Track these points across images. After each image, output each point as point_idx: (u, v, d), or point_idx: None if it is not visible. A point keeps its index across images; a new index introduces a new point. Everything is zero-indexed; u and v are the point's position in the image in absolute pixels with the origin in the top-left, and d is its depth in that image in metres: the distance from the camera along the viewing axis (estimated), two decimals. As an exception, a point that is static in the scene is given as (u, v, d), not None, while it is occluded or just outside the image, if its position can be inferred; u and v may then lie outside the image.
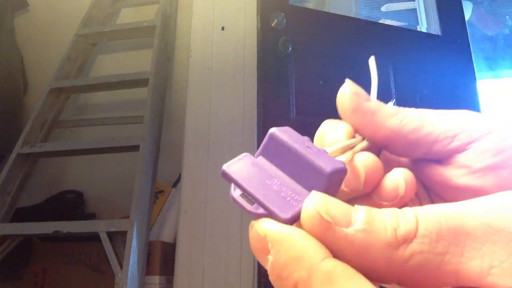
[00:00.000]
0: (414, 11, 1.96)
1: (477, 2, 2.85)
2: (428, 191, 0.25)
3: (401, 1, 2.47)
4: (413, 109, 0.23)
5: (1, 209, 1.31)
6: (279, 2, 1.49)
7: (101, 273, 1.36)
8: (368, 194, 0.23)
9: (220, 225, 1.30)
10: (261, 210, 0.19)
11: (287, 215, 0.19)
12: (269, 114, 1.37)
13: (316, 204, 0.18)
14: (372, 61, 0.26)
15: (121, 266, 1.11)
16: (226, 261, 1.26)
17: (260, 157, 0.22)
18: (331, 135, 0.24)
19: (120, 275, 1.10)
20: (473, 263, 0.16)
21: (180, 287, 1.26)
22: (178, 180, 1.50)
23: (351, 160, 0.23)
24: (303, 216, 0.18)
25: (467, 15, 2.24)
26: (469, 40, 1.73)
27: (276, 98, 1.39)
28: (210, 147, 1.38)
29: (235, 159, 0.22)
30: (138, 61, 1.73)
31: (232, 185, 0.21)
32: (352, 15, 2.01)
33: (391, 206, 0.22)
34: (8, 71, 1.72)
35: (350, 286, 0.16)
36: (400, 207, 0.22)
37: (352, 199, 0.24)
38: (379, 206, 0.22)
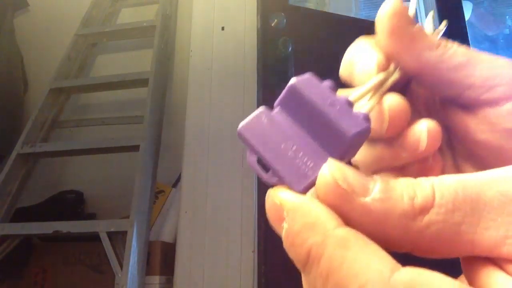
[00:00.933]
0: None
1: (477, 2, 2.85)
2: (452, 142, 0.24)
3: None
4: (456, 45, 0.22)
5: (1, 209, 1.31)
6: (279, 2, 1.49)
7: (101, 273, 1.36)
8: (389, 140, 0.22)
9: (220, 225, 1.30)
10: (275, 179, 0.19)
11: (301, 186, 0.18)
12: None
13: (333, 171, 0.17)
14: None
15: (121, 266, 1.11)
16: (226, 261, 1.26)
17: (278, 110, 0.21)
18: (361, 66, 0.22)
19: (120, 275, 1.10)
20: (488, 233, 0.16)
21: (180, 287, 1.26)
22: (178, 180, 1.50)
23: (379, 102, 0.21)
24: (319, 183, 0.17)
25: (467, 15, 2.24)
26: (469, 40, 1.73)
27: (276, 98, 1.39)
28: (210, 147, 1.38)
29: (251, 116, 0.21)
30: (138, 61, 1.73)
31: (248, 149, 0.20)
32: (352, 15, 2.00)
33: (411, 158, 0.22)
34: (8, 71, 1.72)
35: (364, 252, 0.16)
36: (420, 160, 0.22)
37: (372, 142, 0.23)
38: (398, 154, 0.22)
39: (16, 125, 1.68)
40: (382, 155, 0.23)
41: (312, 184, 0.18)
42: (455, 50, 0.21)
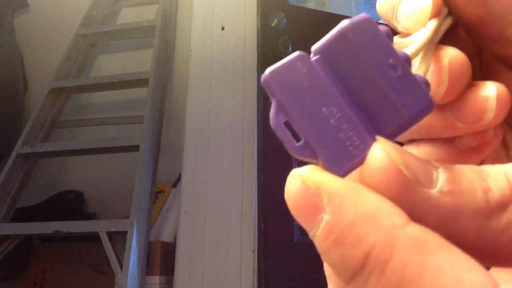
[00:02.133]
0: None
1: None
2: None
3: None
4: None
5: (1, 209, 1.31)
6: (279, 2, 1.49)
7: (101, 273, 1.36)
8: (442, 106, 0.17)
9: (220, 225, 1.30)
10: (308, 152, 0.14)
11: (343, 167, 0.14)
12: (269, 113, 1.37)
13: (392, 153, 0.13)
14: None
15: (121, 266, 1.11)
16: (226, 261, 1.26)
17: (318, 59, 0.15)
18: (411, 4, 0.17)
19: (120, 275, 1.10)
20: None
21: (180, 287, 1.26)
22: (178, 180, 1.50)
23: (436, 56, 0.17)
24: (371, 167, 0.14)
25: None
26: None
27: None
28: (210, 147, 1.38)
29: (284, 60, 0.16)
30: (138, 61, 1.73)
31: (274, 104, 0.15)
32: (352, 15, 2.01)
33: (468, 129, 0.17)
34: (8, 71, 1.72)
35: (452, 259, 0.12)
36: (478, 132, 0.18)
37: None
38: (452, 124, 0.17)
39: (16, 125, 1.68)
40: (429, 123, 0.18)
41: (356, 166, 0.14)
42: None
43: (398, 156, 0.13)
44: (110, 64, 1.84)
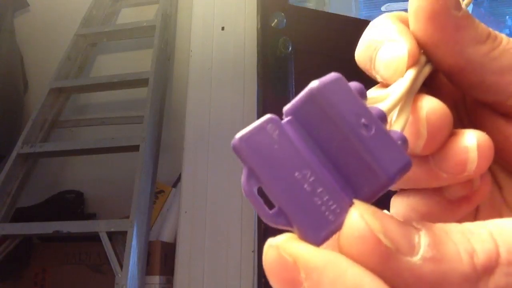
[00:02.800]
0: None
1: (477, 2, 2.85)
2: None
3: (401, 1, 2.47)
4: (505, 38, 0.17)
5: (1, 209, 1.31)
6: (279, 2, 1.49)
7: (101, 273, 1.36)
8: (423, 158, 0.17)
9: (220, 225, 1.30)
10: (282, 221, 0.14)
11: (319, 235, 0.13)
12: (269, 114, 1.37)
13: (369, 220, 0.13)
14: None
15: (121, 266, 1.11)
16: (226, 261, 1.26)
17: (290, 121, 0.15)
18: (387, 54, 0.17)
19: (120, 275, 1.10)
20: None
21: (180, 287, 1.26)
22: (178, 180, 1.50)
23: (413, 106, 0.16)
24: (351, 236, 0.13)
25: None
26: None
27: (276, 98, 1.39)
28: (210, 147, 1.38)
29: (254, 124, 0.15)
30: (138, 61, 1.73)
31: (245, 170, 0.14)
32: (352, 15, 2.01)
33: (453, 179, 0.16)
34: (8, 71, 1.72)
35: None
36: (465, 182, 0.17)
37: None
38: (436, 175, 0.16)
39: (16, 125, 1.68)
40: (415, 174, 0.17)
41: (332, 233, 0.14)
42: (505, 47, 0.16)
43: (377, 223, 0.13)
44: (110, 64, 1.84)
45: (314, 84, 0.15)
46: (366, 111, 0.14)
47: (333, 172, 0.14)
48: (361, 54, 0.18)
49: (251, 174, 0.14)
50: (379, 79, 0.18)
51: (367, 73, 0.18)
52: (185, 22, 1.67)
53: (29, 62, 1.87)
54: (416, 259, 0.12)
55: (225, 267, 1.26)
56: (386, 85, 0.17)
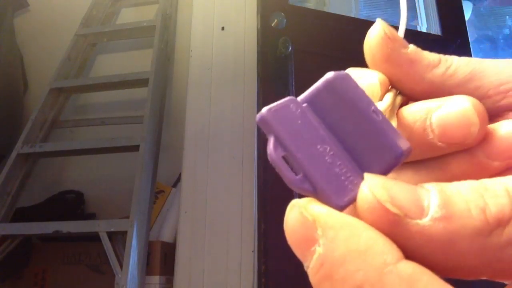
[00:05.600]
0: (414, 10, 1.96)
1: (477, 2, 2.85)
2: None
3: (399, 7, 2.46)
4: (456, 57, 0.19)
5: (1, 209, 1.31)
6: (279, 2, 1.49)
7: (101, 273, 1.36)
8: (469, 152, 0.17)
9: (220, 225, 1.30)
10: (307, 185, 0.15)
11: (340, 200, 0.15)
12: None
13: (377, 191, 0.14)
14: None
15: (121, 266, 1.11)
16: (226, 261, 1.26)
17: (306, 106, 0.17)
18: (362, 83, 0.18)
19: (120, 275, 1.10)
20: None
21: (180, 287, 1.26)
22: (178, 180, 1.50)
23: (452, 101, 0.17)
24: (362, 207, 0.14)
25: (467, 15, 2.24)
26: (469, 40, 1.73)
27: (276, 98, 1.38)
28: (210, 147, 1.38)
29: (279, 102, 0.16)
30: (138, 61, 1.73)
31: (272, 139, 0.16)
32: (352, 15, 2.01)
33: (505, 165, 0.17)
34: (8, 71, 1.72)
35: None
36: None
37: (443, 158, 0.18)
38: (486, 166, 0.17)
39: (16, 125, 1.68)
40: (465, 172, 0.17)
41: (352, 200, 0.15)
42: (457, 63, 0.19)
43: (384, 193, 0.13)
44: (110, 64, 1.84)
45: (330, 75, 0.17)
46: (371, 100, 0.16)
47: (347, 151, 0.16)
48: None
49: (277, 143, 0.16)
50: None
51: None
52: (185, 22, 1.67)
53: (29, 62, 1.87)
54: (425, 220, 0.13)
55: (225, 267, 1.25)
56: None
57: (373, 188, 0.14)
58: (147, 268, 1.24)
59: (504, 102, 0.18)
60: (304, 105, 0.17)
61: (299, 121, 0.16)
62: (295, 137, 0.15)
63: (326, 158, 0.15)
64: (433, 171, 0.18)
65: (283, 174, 0.16)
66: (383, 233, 0.13)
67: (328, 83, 0.16)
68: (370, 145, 0.16)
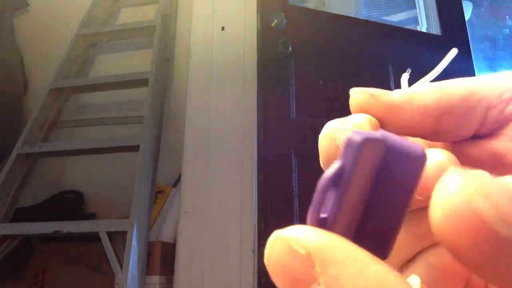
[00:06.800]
0: (414, 11, 1.96)
1: (477, 2, 2.85)
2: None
3: (400, 7, 2.47)
4: (446, 81, 0.19)
5: (1, 209, 1.31)
6: (279, 2, 1.49)
7: (101, 273, 1.36)
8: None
9: (220, 225, 1.30)
10: (328, 227, 0.13)
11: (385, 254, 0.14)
12: (269, 114, 1.37)
13: (478, 201, 0.10)
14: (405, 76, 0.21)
15: (121, 266, 1.11)
16: (226, 261, 1.26)
17: (385, 155, 0.15)
18: (351, 123, 0.18)
19: (120, 275, 1.10)
20: None
21: (180, 287, 1.26)
22: (178, 180, 1.50)
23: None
24: (451, 220, 0.10)
25: (467, 15, 2.24)
26: (469, 40, 1.73)
27: (276, 98, 1.39)
28: (210, 147, 1.38)
29: (375, 136, 0.14)
30: (138, 61, 1.73)
31: (337, 167, 0.13)
32: (352, 15, 2.01)
33: None
34: (8, 71, 1.72)
35: None
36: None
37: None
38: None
39: (16, 125, 1.68)
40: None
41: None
42: (450, 83, 0.18)
43: (487, 205, 0.09)
44: (110, 64, 1.84)
45: (418, 149, 0.15)
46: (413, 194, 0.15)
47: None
48: (324, 136, 0.19)
49: (338, 175, 0.13)
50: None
51: (330, 152, 0.19)
52: (185, 22, 1.67)
53: (29, 62, 1.87)
54: None
55: (225, 267, 1.25)
56: None
57: (469, 195, 0.10)
58: (147, 268, 1.24)
59: (509, 109, 0.17)
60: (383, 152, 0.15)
61: (370, 165, 0.14)
62: (355, 180, 0.13)
63: (362, 214, 0.14)
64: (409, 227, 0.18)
65: (314, 204, 0.13)
66: (478, 260, 0.10)
67: (415, 155, 0.14)
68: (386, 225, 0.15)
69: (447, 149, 0.19)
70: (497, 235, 0.09)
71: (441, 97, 0.18)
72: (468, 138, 0.19)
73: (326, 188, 0.13)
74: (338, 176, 0.13)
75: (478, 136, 0.19)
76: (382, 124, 0.19)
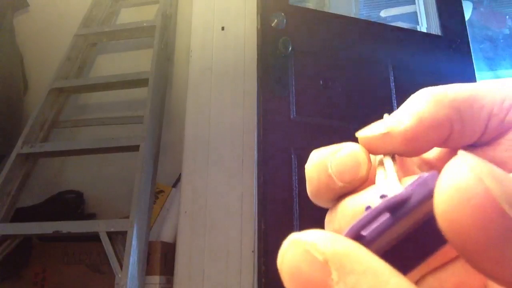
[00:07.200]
0: (414, 11, 1.96)
1: (477, 2, 2.85)
2: None
3: (400, 5, 2.47)
4: (442, 86, 0.18)
5: (1, 209, 1.31)
6: (279, 2, 1.49)
7: (101, 273, 1.36)
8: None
9: (220, 225, 1.30)
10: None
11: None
12: (269, 114, 1.37)
13: (488, 181, 0.10)
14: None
15: (121, 266, 1.11)
16: (226, 261, 1.26)
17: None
18: (343, 151, 0.18)
19: (120, 275, 1.10)
20: None
21: (180, 287, 1.26)
22: (178, 180, 1.50)
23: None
24: (460, 201, 0.10)
25: (467, 15, 2.24)
26: (469, 40, 1.73)
27: (276, 98, 1.39)
28: (210, 147, 1.38)
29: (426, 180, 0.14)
30: (138, 61, 1.73)
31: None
32: (352, 15, 2.01)
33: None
34: (8, 71, 1.72)
35: None
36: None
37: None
38: None
39: (16, 125, 1.68)
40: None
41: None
42: (451, 88, 0.18)
43: (498, 187, 0.09)
44: (110, 64, 1.84)
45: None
46: None
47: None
48: (313, 164, 0.19)
49: (403, 203, 0.13)
50: (338, 183, 0.18)
51: (320, 182, 0.19)
52: (185, 22, 1.67)
53: (29, 62, 1.87)
54: None
55: (225, 267, 1.25)
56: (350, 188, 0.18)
57: (480, 173, 0.10)
58: (147, 268, 1.24)
59: (508, 118, 0.17)
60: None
61: (429, 208, 0.13)
62: (413, 215, 0.13)
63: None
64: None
65: (362, 222, 0.13)
66: (486, 244, 0.09)
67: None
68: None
69: (445, 158, 0.19)
70: (505, 214, 0.09)
71: (450, 106, 0.17)
72: (467, 146, 0.18)
73: (382, 211, 0.13)
74: (399, 205, 0.13)
75: (477, 145, 0.18)
76: (399, 153, 0.18)
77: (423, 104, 0.17)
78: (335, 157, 0.18)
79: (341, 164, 0.17)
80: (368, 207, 0.14)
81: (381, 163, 0.18)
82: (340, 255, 0.11)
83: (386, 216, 0.13)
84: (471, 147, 0.18)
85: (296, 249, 0.11)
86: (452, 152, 0.19)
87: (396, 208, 0.13)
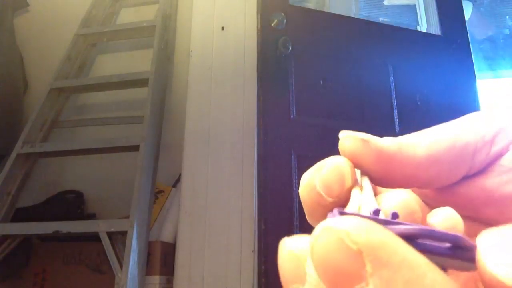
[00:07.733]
0: (414, 10, 1.96)
1: (477, 2, 2.85)
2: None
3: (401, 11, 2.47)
4: (430, 130, 0.19)
5: (1, 209, 1.31)
6: (279, 2, 1.49)
7: (101, 273, 1.36)
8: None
9: (220, 225, 1.30)
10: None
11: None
12: (269, 114, 1.37)
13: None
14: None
15: (121, 266, 1.11)
16: (226, 261, 1.26)
17: None
18: (332, 163, 0.18)
19: (120, 275, 1.10)
20: None
21: (180, 287, 1.26)
22: (178, 180, 1.50)
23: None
24: None
25: (467, 15, 2.24)
26: (469, 40, 1.73)
27: (276, 98, 1.39)
28: (210, 147, 1.38)
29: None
30: (138, 61, 1.73)
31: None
32: (352, 15, 2.01)
33: None
34: (8, 71, 1.72)
35: None
36: None
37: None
38: None
39: (16, 125, 1.68)
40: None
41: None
42: (437, 139, 0.18)
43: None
44: (110, 64, 1.84)
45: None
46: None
47: None
48: (304, 186, 0.19)
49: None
50: (328, 198, 0.18)
51: (312, 199, 0.19)
52: (185, 22, 1.67)
53: (29, 62, 1.87)
54: None
55: (225, 267, 1.25)
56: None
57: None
58: (147, 268, 1.24)
59: (495, 149, 0.18)
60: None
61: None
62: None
63: None
64: None
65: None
66: None
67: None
68: None
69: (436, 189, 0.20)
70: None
71: (429, 148, 0.18)
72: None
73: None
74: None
75: (468, 176, 0.19)
76: (372, 171, 0.18)
77: (409, 139, 0.18)
78: (320, 174, 0.18)
79: (327, 180, 0.17)
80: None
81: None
82: (375, 247, 0.10)
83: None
84: (464, 177, 0.19)
85: (329, 237, 0.11)
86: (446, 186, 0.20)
87: None
